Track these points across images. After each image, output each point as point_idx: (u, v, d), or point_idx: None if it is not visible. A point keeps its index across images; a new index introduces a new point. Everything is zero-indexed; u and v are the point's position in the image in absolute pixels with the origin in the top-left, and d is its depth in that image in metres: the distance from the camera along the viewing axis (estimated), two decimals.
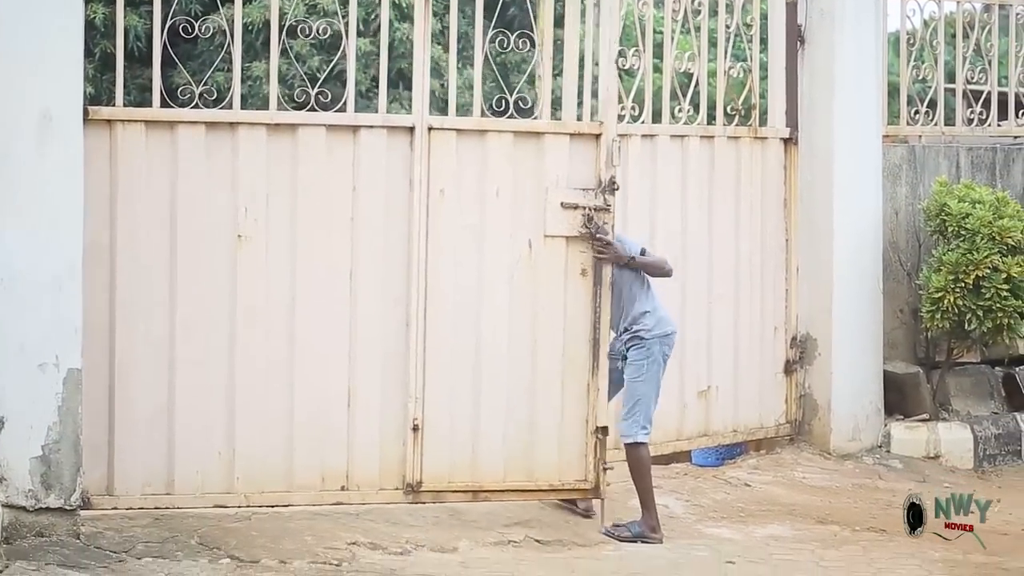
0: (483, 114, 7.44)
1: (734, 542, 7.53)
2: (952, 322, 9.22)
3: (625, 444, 7.38)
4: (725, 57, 9.00)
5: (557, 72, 8.16)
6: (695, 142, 8.80)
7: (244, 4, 7.94)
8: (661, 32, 8.75)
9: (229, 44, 7.12)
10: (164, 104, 7.06)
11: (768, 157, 9.24)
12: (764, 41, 9.36)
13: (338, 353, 7.15)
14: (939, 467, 9.38)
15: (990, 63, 10.61)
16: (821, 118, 9.30)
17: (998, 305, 9.09)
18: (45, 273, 6.50)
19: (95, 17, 11.89)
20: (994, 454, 9.63)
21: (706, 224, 8.86)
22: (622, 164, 7.59)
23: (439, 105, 8.74)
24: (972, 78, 10.61)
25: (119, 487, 6.91)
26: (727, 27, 9.03)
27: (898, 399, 9.73)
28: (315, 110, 7.18)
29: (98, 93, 11.59)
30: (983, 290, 9.10)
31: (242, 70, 7.17)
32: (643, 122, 8.54)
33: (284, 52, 7.35)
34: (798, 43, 9.34)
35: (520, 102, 7.48)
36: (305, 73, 9.76)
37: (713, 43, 8.98)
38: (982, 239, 9.11)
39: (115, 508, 6.90)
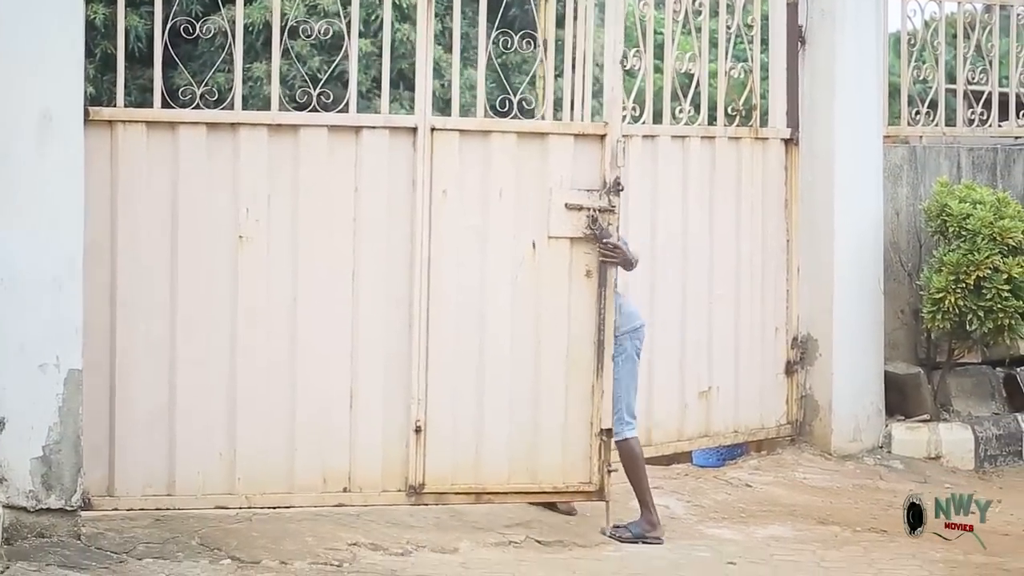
0: (486, 115, 7.43)
1: (735, 543, 7.53)
2: (953, 323, 9.21)
3: (615, 442, 7.39)
4: (726, 58, 8.99)
5: (558, 73, 8.16)
6: (696, 143, 8.80)
7: (245, 5, 7.92)
8: (662, 33, 8.74)
9: (230, 45, 7.11)
10: (165, 105, 7.04)
11: (769, 158, 9.24)
12: (765, 42, 9.36)
13: (340, 354, 7.13)
14: (940, 468, 9.38)
15: (991, 63, 10.61)
16: (822, 119, 9.30)
17: (999, 306, 9.09)
18: (46, 273, 6.49)
19: (96, 17, 11.90)
20: (995, 455, 9.63)
21: (707, 225, 8.85)
22: (623, 165, 7.59)
23: (440, 106, 8.73)
24: (973, 78, 10.61)
25: (120, 488, 6.89)
26: (728, 28, 9.03)
27: (899, 400, 9.73)
28: (316, 111, 7.17)
29: (99, 94, 11.59)
30: (984, 291, 9.10)
31: (243, 71, 7.17)
32: (644, 123, 8.53)
33: (285, 53, 7.34)
34: (799, 44, 9.34)
35: (523, 103, 7.47)
36: (306, 73, 9.77)
37: (714, 44, 8.98)
38: (983, 240, 9.11)
39: (116, 509, 6.89)
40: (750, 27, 9.16)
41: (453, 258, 7.26)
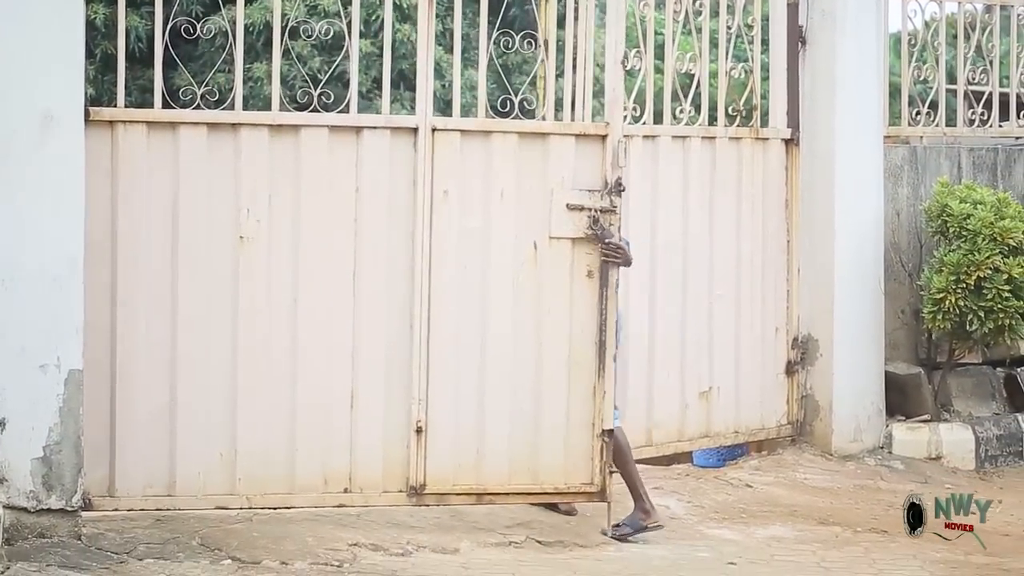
0: (487, 115, 7.42)
1: (735, 543, 7.52)
2: (953, 323, 9.21)
3: None
4: (726, 58, 8.99)
5: (559, 73, 8.16)
6: (696, 143, 8.80)
7: (246, 5, 7.93)
8: (662, 33, 8.74)
9: (231, 45, 7.11)
10: (166, 105, 7.04)
11: (769, 158, 9.23)
12: (765, 42, 9.36)
13: (341, 354, 7.13)
14: (941, 468, 9.38)
15: (991, 64, 10.61)
16: (822, 119, 9.29)
17: (999, 306, 9.08)
18: (46, 273, 6.48)
19: (96, 18, 11.89)
20: (995, 455, 9.63)
21: (707, 225, 8.85)
22: (624, 165, 7.59)
23: (440, 106, 8.73)
24: (973, 79, 10.61)
25: (120, 488, 6.89)
26: (728, 28, 9.03)
27: (899, 400, 9.73)
28: (317, 111, 7.17)
29: (99, 94, 11.59)
30: (984, 291, 9.10)
31: (244, 71, 7.16)
32: (644, 123, 8.53)
33: (286, 53, 7.34)
34: (799, 44, 9.34)
35: (524, 103, 7.47)
36: (307, 74, 9.77)
37: (714, 44, 8.98)
38: (983, 240, 9.11)
39: (116, 509, 6.89)
40: (750, 27, 9.16)
41: (454, 259, 7.25)
